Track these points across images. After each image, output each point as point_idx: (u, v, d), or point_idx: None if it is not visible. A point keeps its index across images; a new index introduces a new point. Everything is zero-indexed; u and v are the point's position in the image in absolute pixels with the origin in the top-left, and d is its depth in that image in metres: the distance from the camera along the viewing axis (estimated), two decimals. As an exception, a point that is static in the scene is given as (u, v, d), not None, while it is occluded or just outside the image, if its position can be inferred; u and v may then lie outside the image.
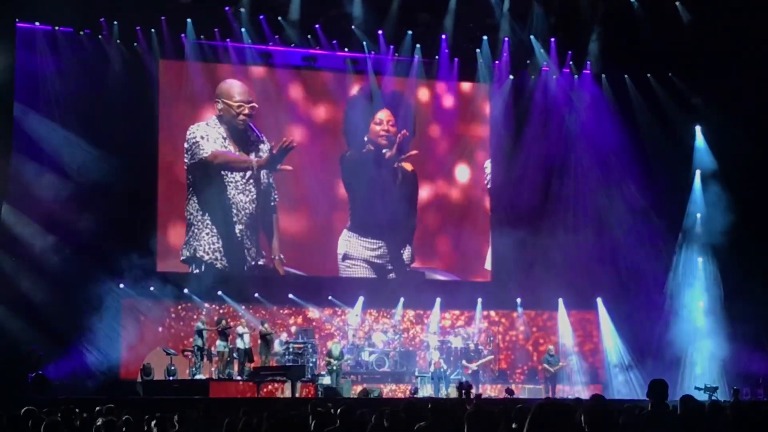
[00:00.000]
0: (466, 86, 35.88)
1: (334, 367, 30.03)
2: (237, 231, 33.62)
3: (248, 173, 33.82)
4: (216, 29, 32.69)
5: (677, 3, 32.48)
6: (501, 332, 35.69)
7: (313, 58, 34.12)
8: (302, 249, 34.48)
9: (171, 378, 29.89)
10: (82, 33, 31.60)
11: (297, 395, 27.73)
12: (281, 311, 33.68)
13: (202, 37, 32.78)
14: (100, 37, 31.77)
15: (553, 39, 34.49)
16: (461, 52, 34.91)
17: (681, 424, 10.12)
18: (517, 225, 34.27)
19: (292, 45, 33.45)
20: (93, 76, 31.45)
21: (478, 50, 34.74)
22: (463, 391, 26.78)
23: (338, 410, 11.38)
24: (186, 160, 33.24)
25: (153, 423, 13.22)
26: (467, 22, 33.84)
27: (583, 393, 32.32)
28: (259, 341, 30.80)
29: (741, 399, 26.87)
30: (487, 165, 35.98)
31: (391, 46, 34.16)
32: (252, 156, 33.98)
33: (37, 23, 30.96)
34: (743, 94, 31.31)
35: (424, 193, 35.72)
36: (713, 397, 26.85)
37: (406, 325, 34.86)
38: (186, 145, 33.22)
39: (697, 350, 32.78)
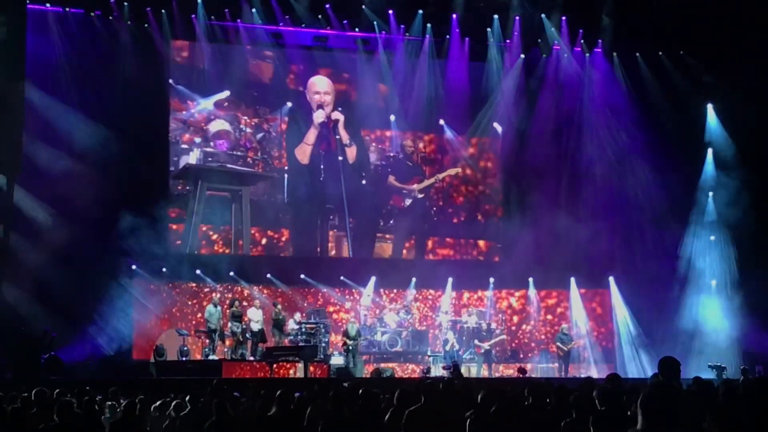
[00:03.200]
0: (476, 66, 35.62)
1: (351, 347, 30.14)
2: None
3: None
4: (227, 10, 32.66)
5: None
6: (513, 311, 35.70)
7: (324, 38, 34.09)
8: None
9: (184, 359, 29.99)
10: (92, 14, 31.64)
11: (309, 375, 27.80)
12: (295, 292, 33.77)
13: (212, 17, 32.73)
14: (110, 18, 31.79)
15: (564, 17, 34.37)
16: (472, 31, 34.80)
17: (693, 403, 10.10)
18: (529, 204, 34.28)
19: (303, 25, 33.41)
20: (104, 57, 31.50)
21: (489, 29, 34.63)
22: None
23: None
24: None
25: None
26: (478, 2, 33.75)
27: (596, 372, 32.43)
28: (272, 322, 30.93)
29: (750, 377, 26.82)
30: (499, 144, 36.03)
31: (402, 26, 34.08)
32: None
33: (48, 5, 30.97)
34: (755, 71, 31.20)
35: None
36: (724, 376, 26.84)
37: (418, 304, 34.92)
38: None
39: (710, 328, 32.70)
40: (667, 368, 9.95)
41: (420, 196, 35.73)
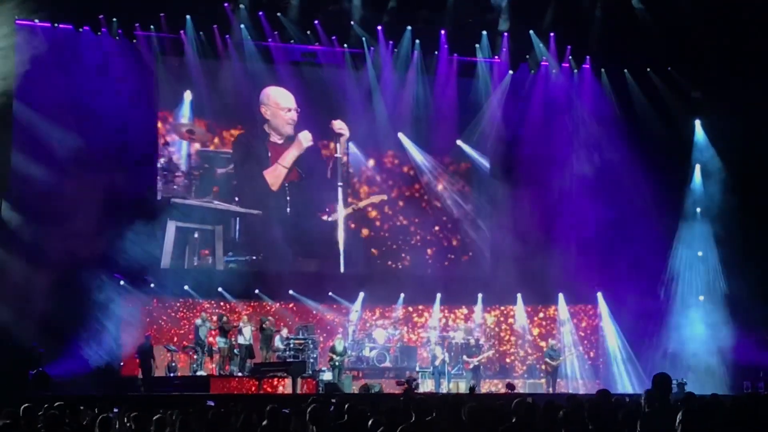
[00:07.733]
0: (465, 81, 35.58)
1: (337, 363, 30.11)
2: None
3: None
4: (215, 26, 32.65)
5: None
6: (501, 327, 35.68)
7: (313, 53, 34.05)
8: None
9: (172, 374, 29.95)
10: (81, 30, 31.57)
11: (298, 391, 27.78)
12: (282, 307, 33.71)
13: (201, 33, 32.73)
14: (99, 33, 31.73)
15: (552, 34, 34.42)
16: (461, 47, 34.86)
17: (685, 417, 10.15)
18: (517, 219, 34.27)
19: (292, 41, 33.42)
20: (92, 72, 31.42)
21: (477, 45, 34.69)
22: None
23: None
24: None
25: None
26: (466, 18, 33.81)
27: (585, 387, 32.45)
28: (260, 337, 30.90)
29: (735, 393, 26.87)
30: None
31: (391, 42, 34.12)
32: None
33: (36, 20, 30.86)
34: (743, 87, 31.30)
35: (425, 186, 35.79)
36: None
37: (406, 320, 34.89)
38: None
39: (697, 343, 32.74)
40: (660, 384, 10.04)
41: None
